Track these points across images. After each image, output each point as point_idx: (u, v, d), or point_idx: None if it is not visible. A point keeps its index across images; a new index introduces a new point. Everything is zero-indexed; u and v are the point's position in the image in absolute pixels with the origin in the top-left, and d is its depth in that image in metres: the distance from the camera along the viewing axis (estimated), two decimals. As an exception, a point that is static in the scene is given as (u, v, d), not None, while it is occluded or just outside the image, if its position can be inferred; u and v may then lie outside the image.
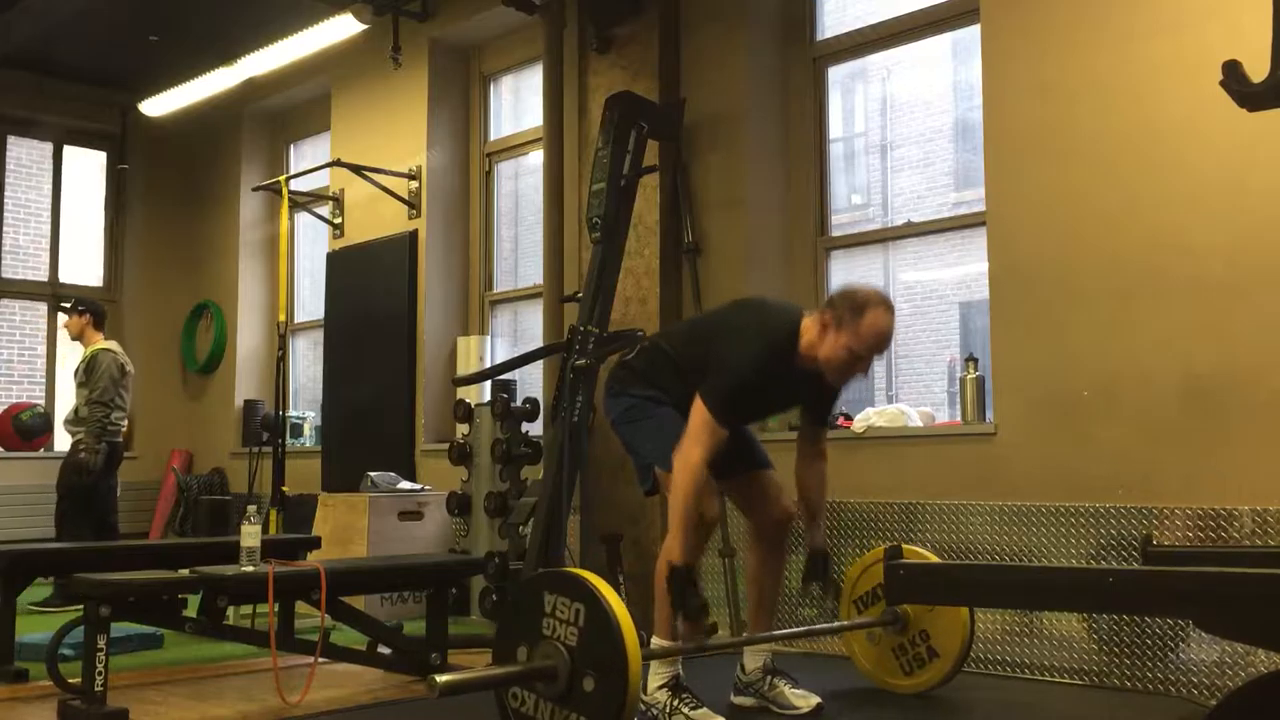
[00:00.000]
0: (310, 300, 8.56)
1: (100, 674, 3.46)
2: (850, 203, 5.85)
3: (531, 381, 6.53)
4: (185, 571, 3.86)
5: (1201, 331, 3.97)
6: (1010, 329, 4.49)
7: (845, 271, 5.56)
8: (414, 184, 7.20)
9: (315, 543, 5.26)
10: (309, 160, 8.62)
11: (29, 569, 4.62)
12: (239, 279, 8.88)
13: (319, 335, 8.17)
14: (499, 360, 6.71)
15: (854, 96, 5.90)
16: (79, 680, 3.58)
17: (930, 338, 5.58)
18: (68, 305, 6.80)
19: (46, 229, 9.11)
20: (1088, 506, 4.11)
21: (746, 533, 3.92)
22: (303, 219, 8.52)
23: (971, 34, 4.99)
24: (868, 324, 3.29)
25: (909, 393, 5.47)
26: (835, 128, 5.72)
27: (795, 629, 4.24)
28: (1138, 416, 4.09)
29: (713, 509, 3.37)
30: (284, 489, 6.42)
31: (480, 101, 7.37)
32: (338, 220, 7.80)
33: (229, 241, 9.00)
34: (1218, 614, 2.48)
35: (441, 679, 2.62)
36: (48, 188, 9.14)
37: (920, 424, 4.86)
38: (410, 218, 7.22)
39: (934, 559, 3.86)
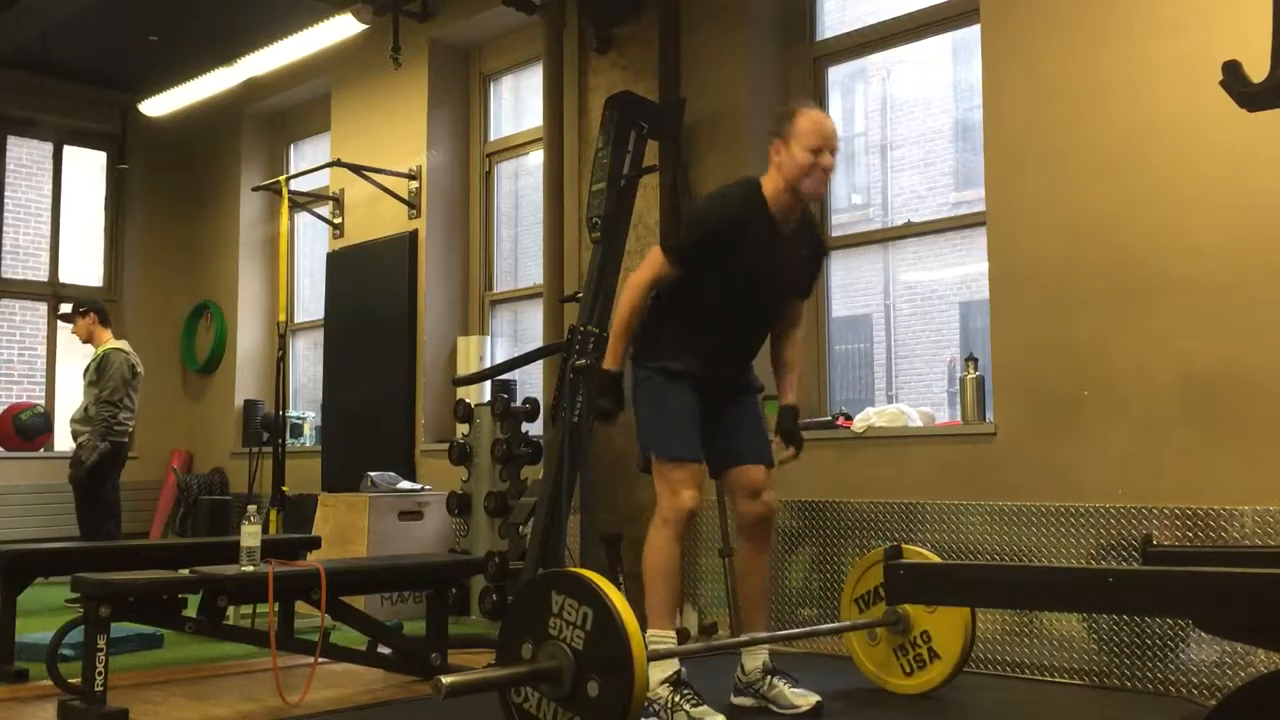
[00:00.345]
0: (310, 300, 8.56)
1: (100, 674, 3.46)
2: (850, 202, 5.85)
3: (531, 381, 6.53)
4: (185, 571, 3.86)
5: (1201, 331, 3.97)
6: (1010, 329, 4.48)
7: (846, 271, 5.56)
8: (414, 184, 7.20)
9: (315, 543, 5.26)
10: (309, 160, 8.62)
11: (29, 569, 4.62)
12: (239, 279, 8.88)
13: (319, 335, 8.17)
14: (499, 360, 6.70)
15: (854, 96, 5.90)
16: (79, 680, 3.58)
17: (930, 338, 5.57)
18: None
19: (46, 229, 9.12)
20: (1087, 506, 4.11)
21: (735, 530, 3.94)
22: (303, 219, 8.52)
23: (971, 34, 4.98)
24: (803, 121, 3.51)
25: (909, 393, 5.46)
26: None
27: (795, 629, 4.24)
28: (1138, 416, 4.08)
29: (692, 498, 3.50)
30: (284, 489, 6.43)
31: (480, 101, 7.37)
32: (338, 220, 7.80)
33: (229, 241, 9.00)
34: (1218, 614, 2.47)
35: (447, 680, 2.62)
36: (48, 188, 9.14)
37: (920, 424, 4.86)
38: (410, 218, 7.22)
39: (934, 559, 3.86)
